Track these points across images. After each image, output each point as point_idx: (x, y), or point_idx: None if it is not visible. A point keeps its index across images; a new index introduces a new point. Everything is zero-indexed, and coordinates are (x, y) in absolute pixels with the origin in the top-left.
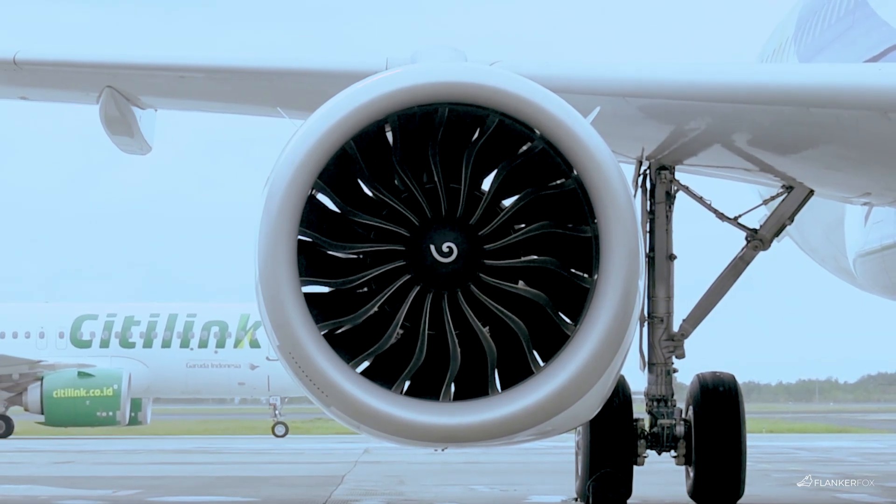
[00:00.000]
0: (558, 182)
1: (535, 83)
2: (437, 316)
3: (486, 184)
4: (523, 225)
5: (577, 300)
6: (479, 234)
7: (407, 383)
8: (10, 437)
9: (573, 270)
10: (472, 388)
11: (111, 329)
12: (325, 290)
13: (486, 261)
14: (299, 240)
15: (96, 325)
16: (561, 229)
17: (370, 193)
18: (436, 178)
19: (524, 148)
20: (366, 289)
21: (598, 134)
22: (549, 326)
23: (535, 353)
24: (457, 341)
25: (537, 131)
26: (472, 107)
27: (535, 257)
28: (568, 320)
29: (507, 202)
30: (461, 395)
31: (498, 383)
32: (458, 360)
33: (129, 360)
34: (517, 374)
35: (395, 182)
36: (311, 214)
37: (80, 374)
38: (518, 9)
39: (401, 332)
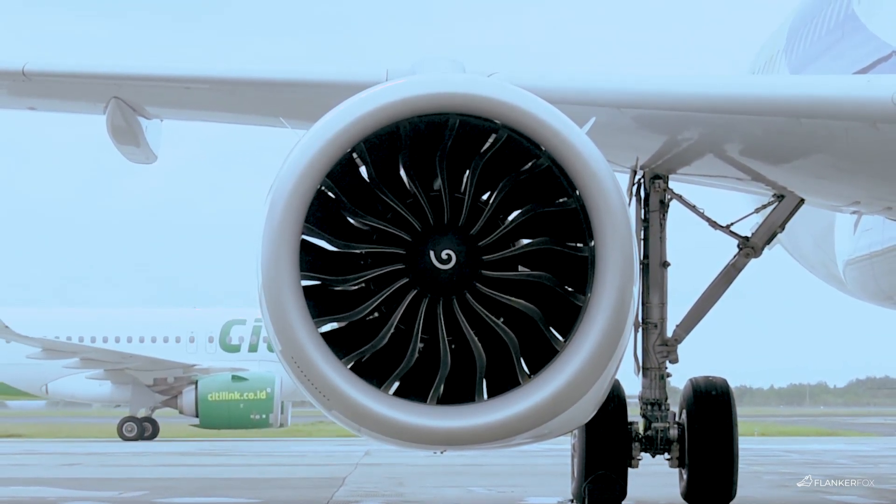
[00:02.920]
0: (560, 200)
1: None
2: (433, 321)
3: (478, 185)
4: (523, 239)
5: (569, 316)
6: (480, 244)
7: (396, 384)
8: (156, 439)
9: (567, 288)
10: (462, 393)
11: (259, 334)
12: (325, 286)
13: (483, 271)
14: (303, 239)
15: (244, 329)
16: (559, 247)
17: (375, 197)
18: (442, 186)
19: (529, 164)
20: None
21: (600, 153)
22: (539, 339)
23: (523, 364)
24: (448, 347)
25: (544, 149)
26: (483, 120)
27: (531, 272)
28: (558, 335)
29: (505, 209)
30: (449, 400)
31: (486, 391)
32: (448, 366)
33: (277, 364)
34: (505, 383)
35: (401, 187)
36: (317, 213)
37: (234, 378)
38: (517, 11)
39: (395, 333)
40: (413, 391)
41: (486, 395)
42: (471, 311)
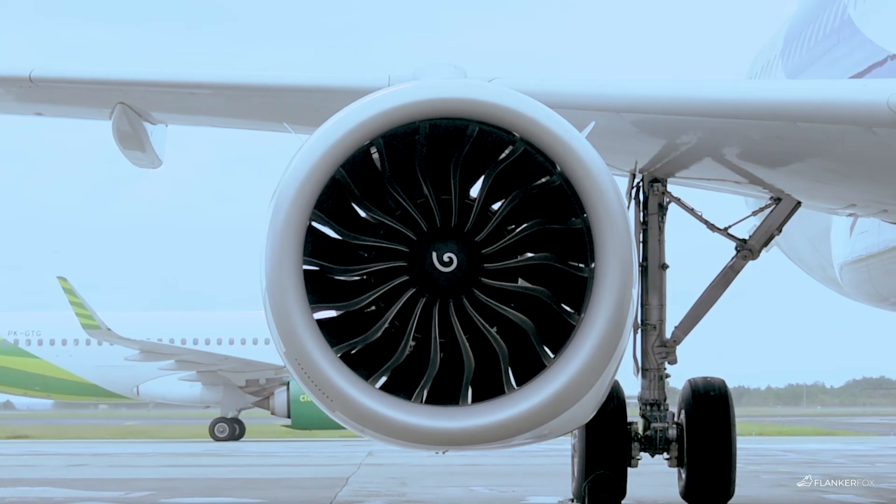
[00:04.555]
0: (568, 220)
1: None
2: (428, 321)
3: (489, 194)
4: (527, 252)
5: (561, 333)
6: (483, 252)
7: (383, 379)
8: (242, 439)
9: (564, 306)
10: (446, 395)
11: None
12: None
13: (483, 279)
14: (309, 227)
15: None
16: (561, 264)
17: (387, 193)
18: (453, 191)
19: (542, 180)
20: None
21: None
22: (529, 352)
23: (511, 374)
24: (438, 348)
25: (559, 169)
26: (502, 130)
27: (530, 285)
28: (549, 350)
29: (512, 220)
30: (434, 401)
31: (470, 396)
32: (437, 367)
33: None
34: (490, 390)
35: (412, 187)
36: (327, 202)
37: None
38: (516, 15)
39: (389, 329)
40: (399, 388)
41: (469, 400)
42: (465, 316)
